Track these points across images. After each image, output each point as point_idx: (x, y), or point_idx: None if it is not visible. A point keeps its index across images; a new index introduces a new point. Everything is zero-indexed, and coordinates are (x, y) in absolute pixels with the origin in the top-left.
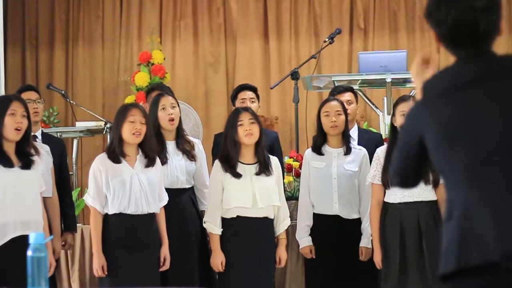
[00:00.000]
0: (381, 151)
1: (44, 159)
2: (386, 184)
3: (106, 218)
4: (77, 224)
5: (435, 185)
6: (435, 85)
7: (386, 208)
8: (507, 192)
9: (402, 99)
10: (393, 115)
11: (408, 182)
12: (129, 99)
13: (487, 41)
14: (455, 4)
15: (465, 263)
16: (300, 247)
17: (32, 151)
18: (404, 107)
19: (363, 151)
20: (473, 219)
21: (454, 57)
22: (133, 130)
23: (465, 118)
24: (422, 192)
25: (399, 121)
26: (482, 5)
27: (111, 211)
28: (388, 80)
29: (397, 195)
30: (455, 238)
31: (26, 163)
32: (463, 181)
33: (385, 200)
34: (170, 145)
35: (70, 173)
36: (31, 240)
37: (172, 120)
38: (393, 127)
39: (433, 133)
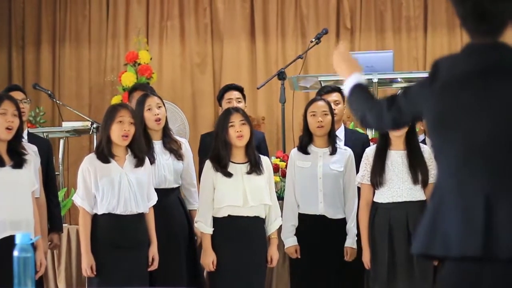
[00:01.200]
0: (370, 151)
1: (31, 159)
2: (375, 183)
3: (95, 218)
4: (64, 225)
5: (424, 185)
6: (442, 69)
7: (375, 208)
8: (478, 193)
9: None
10: None
11: (380, 129)
12: (116, 99)
13: (495, 29)
14: None
15: (428, 252)
16: (285, 247)
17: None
18: None
19: (349, 151)
20: (445, 209)
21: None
22: (121, 132)
23: (459, 113)
24: (411, 192)
25: None
26: None
27: (100, 211)
28: (375, 80)
29: (386, 195)
30: (427, 221)
31: (18, 162)
32: (448, 170)
33: (374, 200)
34: (157, 145)
35: (57, 173)
36: (18, 240)
37: (159, 120)
38: None
39: (429, 119)
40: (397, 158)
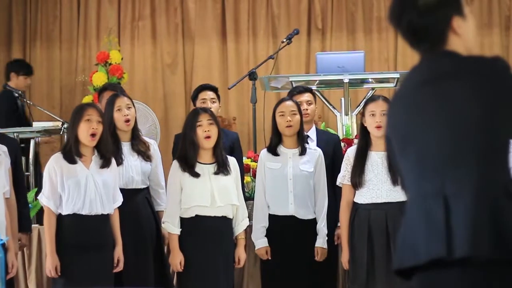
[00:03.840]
0: (351, 152)
1: (2, 160)
2: (355, 184)
3: (60, 218)
4: (34, 225)
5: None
6: (401, 84)
7: (355, 209)
8: (437, 199)
9: (372, 99)
10: (363, 115)
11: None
12: (87, 99)
13: (434, 41)
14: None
15: (401, 266)
16: (255, 248)
17: None
18: (373, 107)
19: (318, 151)
20: (411, 223)
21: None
22: (89, 130)
23: (408, 127)
24: (391, 193)
25: (368, 121)
26: (421, 4)
27: (65, 211)
28: (346, 80)
29: (366, 196)
30: (399, 238)
31: None
32: (410, 180)
33: (355, 200)
34: (125, 146)
35: (27, 173)
36: None
37: (128, 121)
38: (362, 127)
39: (389, 134)
40: (377, 159)
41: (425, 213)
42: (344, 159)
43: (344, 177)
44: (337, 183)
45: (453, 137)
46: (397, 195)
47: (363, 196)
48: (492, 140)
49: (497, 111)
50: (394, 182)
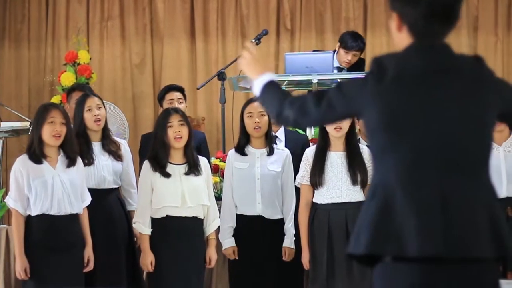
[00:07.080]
0: (310, 152)
1: None
2: (314, 184)
3: (28, 219)
4: (2, 225)
5: (363, 186)
6: (388, 67)
7: (315, 209)
8: (433, 193)
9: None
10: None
11: (302, 125)
12: (55, 99)
13: (448, 30)
14: None
15: (377, 250)
16: (223, 248)
17: None
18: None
19: (286, 151)
20: (396, 208)
21: (410, 42)
22: (53, 132)
23: (412, 111)
24: (350, 193)
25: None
26: None
27: (33, 212)
28: (315, 81)
29: (325, 196)
30: (373, 220)
31: None
32: (398, 170)
33: (314, 200)
34: (96, 146)
35: None
36: None
37: (99, 121)
38: (321, 128)
39: (373, 115)
40: (336, 159)
41: (418, 207)
42: (302, 160)
43: (303, 177)
44: (296, 184)
45: (459, 135)
46: (356, 195)
47: (323, 196)
48: (486, 142)
49: (489, 115)
50: (354, 182)
